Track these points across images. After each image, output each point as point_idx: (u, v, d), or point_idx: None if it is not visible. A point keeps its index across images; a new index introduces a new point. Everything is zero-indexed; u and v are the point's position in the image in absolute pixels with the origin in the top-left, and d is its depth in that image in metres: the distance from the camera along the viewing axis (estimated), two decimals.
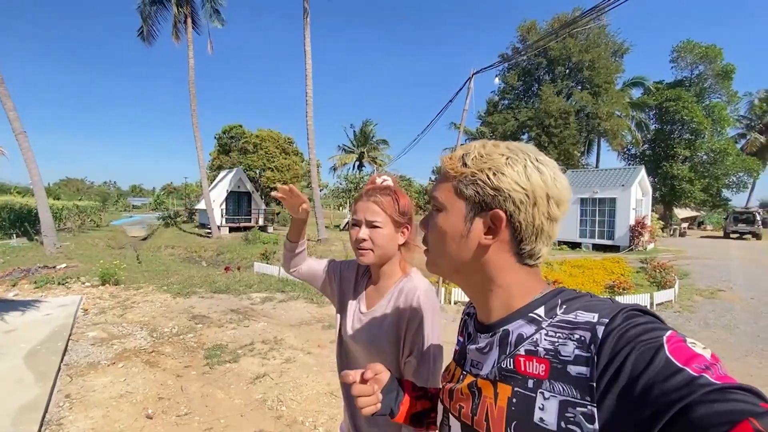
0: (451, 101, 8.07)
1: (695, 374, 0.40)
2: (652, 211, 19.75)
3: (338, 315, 1.30)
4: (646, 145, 27.86)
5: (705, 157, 25.35)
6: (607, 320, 0.48)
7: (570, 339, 0.51)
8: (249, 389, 3.72)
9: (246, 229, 22.03)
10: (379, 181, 1.23)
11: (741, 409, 0.36)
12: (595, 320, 0.49)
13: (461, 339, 0.75)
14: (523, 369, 0.54)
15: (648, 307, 6.10)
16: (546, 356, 0.52)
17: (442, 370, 0.79)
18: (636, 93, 28.54)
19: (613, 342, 0.46)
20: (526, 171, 0.58)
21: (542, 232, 0.58)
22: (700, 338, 5.75)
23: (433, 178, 36.38)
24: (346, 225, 26.28)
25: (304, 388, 3.78)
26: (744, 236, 22.66)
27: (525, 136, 27.75)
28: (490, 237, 0.59)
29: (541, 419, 0.50)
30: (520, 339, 0.57)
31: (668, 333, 0.45)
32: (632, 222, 17.30)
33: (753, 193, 34.14)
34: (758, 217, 22.77)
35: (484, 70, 6.45)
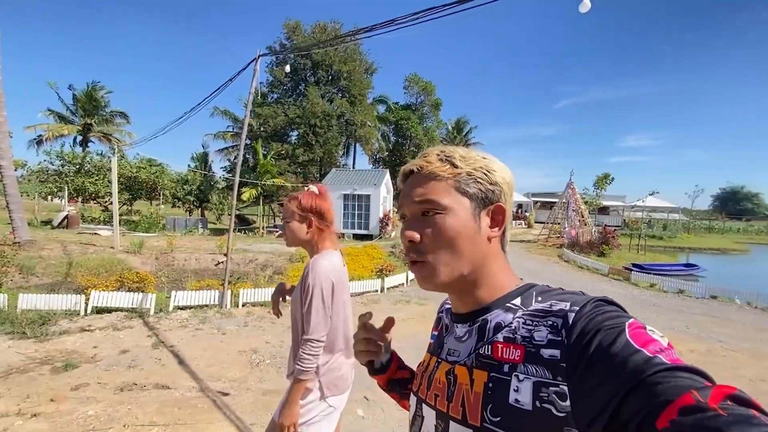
0: (231, 80, 7.20)
1: (650, 355, 0.45)
2: (393, 206, 24.49)
3: None
4: (387, 153, 34.16)
5: None
6: (578, 308, 0.53)
7: (544, 325, 0.54)
8: None
9: None
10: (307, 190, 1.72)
11: (687, 384, 0.41)
12: (567, 308, 0.54)
13: (436, 333, 0.77)
14: (499, 355, 0.57)
15: (405, 282, 7.29)
16: (522, 342, 0.55)
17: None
18: (381, 108, 34.50)
19: (582, 326, 0.50)
20: (502, 167, 0.65)
21: (510, 218, 0.66)
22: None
23: (192, 165, 32.01)
24: (64, 220, 19.48)
25: None
26: None
27: (294, 133, 28.59)
28: (497, 229, 0.63)
29: (516, 400, 0.52)
30: (499, 327, 0.59)
31: (630, 320, 0.49)
32: (381, 215, 20.89)
33: None
34: None
35: (270, 55, 6.08)
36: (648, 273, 12.09)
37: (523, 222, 28.28)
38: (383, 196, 21.68)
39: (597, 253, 17.46)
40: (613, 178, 29.35)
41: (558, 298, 0.57)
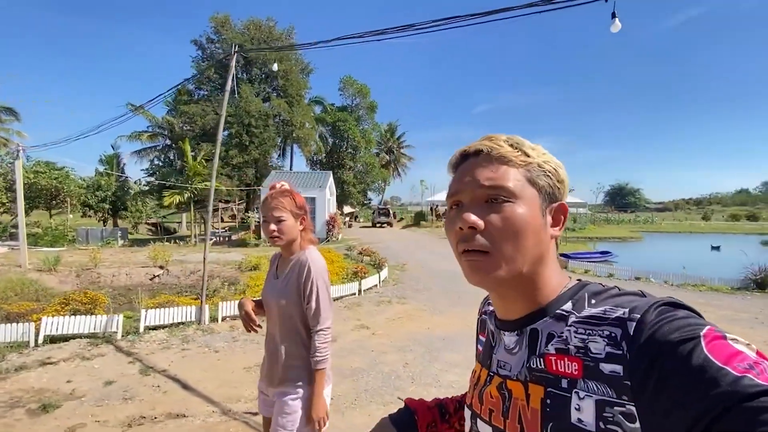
0: (197, 76, 6.63)
1: (737, 374, 0.38)
2: (336, 209, 24.31)
3: None
4: (325, 155, 33.76)
5: (361, 167, 33.71)
6: (639, 315, 0.47)
7: (600, 335, 0.49)
8: None
9: None
10: (278, 186, 1.70)
11: None
12: (626, 316, 0.48)
13: (482, 338, 0.72)
14: (554, 368, 0.52)
15: (378, 284, 7.25)
16: (577, 354, 0.50)
17: None
18: (318, 109, 33.97)
19: (646, 338, 0.44)
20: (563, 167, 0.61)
21: None
22: (422, 299, 7.71)
23: (102, 169, 28.23)
24: None
25: None
26: (383, 225, 32.01)
27: (226, 133, 26.79)
28: (557, 228, 0.59)
29: (579, 420, 0.47)
30: (551, 338, 0.54)
31: (706, 329, 0.42)
32: (327, 217, 20.58)
33: (385, 193, 48.73)
34: (391, 211, 32.86)
35: (247, 51, 5.79)
36: (577, 260, 13.72)
37: None
38: (327, 199, 21.39)
39: None
40: None
41: (614, 302, 0.51)
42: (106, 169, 28.67)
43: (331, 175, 22.47)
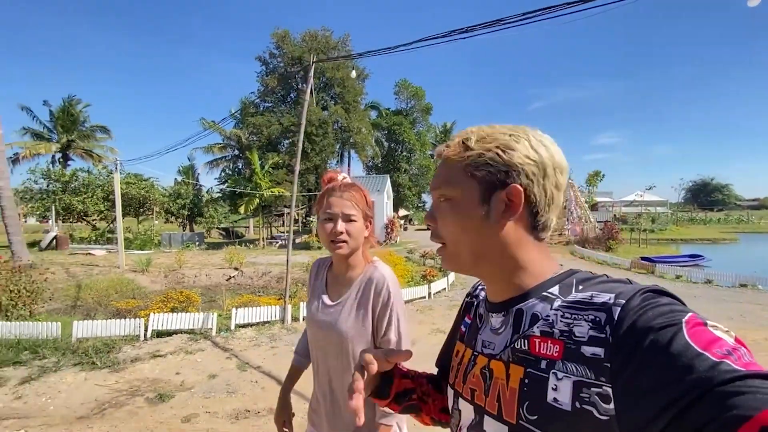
0: (269, 90, 6.99)
1: (716, 359, 0.38)
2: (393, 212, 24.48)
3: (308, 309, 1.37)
4: (381, 159, 34.20)
5: (416, 170, 33.65)
6: (624, 301, 0.47)
7: (584, 319, 0.49)
8: None
9: None
10: (340, 177, 1.31)
11: (765, 398, 0.34)
12: (611, 301, 0.48)
13: (468, 320, 0.73)
14: (537, 350, 0.53)
15: (447, 288, 7.06)
16: (561, 337, 0.51)
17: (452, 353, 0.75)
18: (373, 114, 34.53)
19: (629, 323, 0.45)
20: (532, 145, 0.58)
21: (553, 202, 0.59)
22: None
23: (180, 179, 31.01)
24: (52, 242, 18.46)
25: None
26: None
27: (287, 142, 28.17)
28: (510, 213, 0.58)
29: (555, 399, 0.49)
30: (535, 319, 0.55)
31: (688, 315, 0.43)
32: (386, 221, 20.76)
33: None
34: None
35: (324, 61, 5.92)
36: (664, 265, 12.40)
37: None
38: (385, 202, 21.61)
39: (604, 248, 17.83)
40: (604, 175, 30.35)
41: (600, 288, 0.52)
42: (183, 178, 31.50)
43: (389, 178, 22.66)
